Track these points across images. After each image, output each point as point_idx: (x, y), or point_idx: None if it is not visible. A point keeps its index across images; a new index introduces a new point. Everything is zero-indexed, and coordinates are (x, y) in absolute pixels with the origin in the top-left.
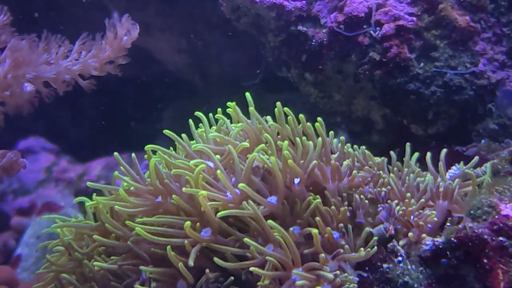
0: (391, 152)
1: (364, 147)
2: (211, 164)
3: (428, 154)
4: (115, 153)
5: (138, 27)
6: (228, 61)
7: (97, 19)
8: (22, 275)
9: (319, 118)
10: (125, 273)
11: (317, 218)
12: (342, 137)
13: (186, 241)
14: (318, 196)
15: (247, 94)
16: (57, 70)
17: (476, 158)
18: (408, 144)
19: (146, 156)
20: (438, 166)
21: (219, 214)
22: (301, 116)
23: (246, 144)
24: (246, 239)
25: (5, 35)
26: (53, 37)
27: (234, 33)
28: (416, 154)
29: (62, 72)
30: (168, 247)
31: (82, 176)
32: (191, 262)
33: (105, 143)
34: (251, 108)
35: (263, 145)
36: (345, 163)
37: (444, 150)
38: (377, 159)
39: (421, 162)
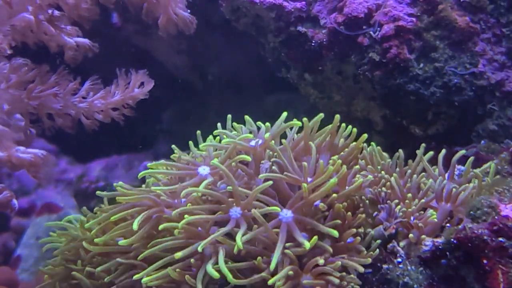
0: (400, 151)
1: (375, 144)
2: (203, 174)
3: (442, 152)
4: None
5: (153, 83)
6: (228, 62)
7: (96, 20)
8: (22, 276)
9: (354, 129)
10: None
11: (353, 230)
12: (356, 143)
13: (192, 260)
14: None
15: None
16: (63, 104)
17: (491, 163)
18: (423, 145)
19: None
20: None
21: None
22: (336, 117)
23: (248, 158)
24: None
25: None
26: (65, 72)
27: (233, 34)
28: (431, 153)
29: (68, 107)
30: (170, 270)
31: (82, 177)
32: (200, 287)
33: (105, 144)
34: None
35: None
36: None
37: (461, 152)
38: (388, 160)
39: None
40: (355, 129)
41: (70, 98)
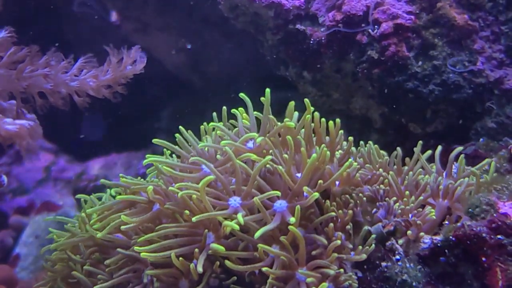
0: (398, 149)
1: (372, 143)
2: (206, 170)
3: (438, 149)
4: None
5: (145, 60)
6: (227, 60)
7: (95, 19)
8: (21, 274)
9: (337, 120)
10: (125, 280)
11: (331, 225)
12: (351, 138)
13: (196, 250)
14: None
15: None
16: (54, 83)
17: (490, 161)
18: (420, 142)
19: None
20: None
21: (226, 223)
22: (316, 114)
23: (252, 155)
24: (260, 245)
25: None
26: (57, 51)
27: (232, 32)
28: (429, 152)
29: (59, 85)
30: (173, 254)
31: (81, 175)
32: (200, 269)
33: (104, 142)
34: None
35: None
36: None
37: (459, 149)
38: (385, 157)
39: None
40: (338, 120)
41: (61, 76)
